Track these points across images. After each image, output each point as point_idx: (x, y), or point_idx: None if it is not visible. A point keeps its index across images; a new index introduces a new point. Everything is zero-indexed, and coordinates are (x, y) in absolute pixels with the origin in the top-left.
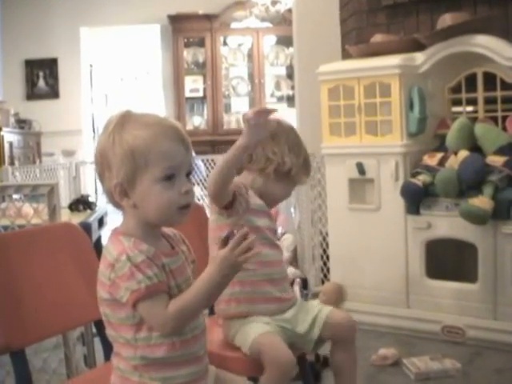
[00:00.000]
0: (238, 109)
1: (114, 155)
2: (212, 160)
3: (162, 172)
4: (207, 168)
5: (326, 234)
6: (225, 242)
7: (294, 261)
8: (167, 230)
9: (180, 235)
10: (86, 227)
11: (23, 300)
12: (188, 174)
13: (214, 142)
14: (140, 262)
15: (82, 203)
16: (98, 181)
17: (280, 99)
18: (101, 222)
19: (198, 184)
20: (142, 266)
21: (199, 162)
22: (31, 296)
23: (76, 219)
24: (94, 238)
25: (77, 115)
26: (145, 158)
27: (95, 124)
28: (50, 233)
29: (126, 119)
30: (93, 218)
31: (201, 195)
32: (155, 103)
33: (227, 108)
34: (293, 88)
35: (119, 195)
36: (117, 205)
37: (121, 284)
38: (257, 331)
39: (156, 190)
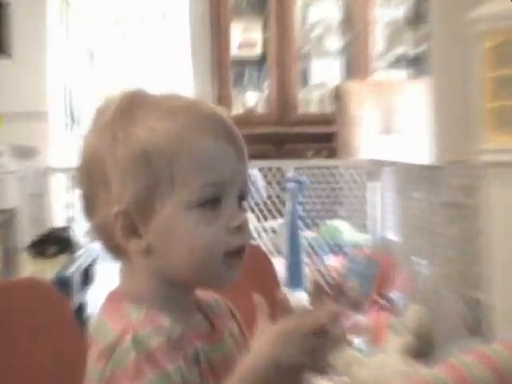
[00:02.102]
0: (323, 78)
1: (114, 164)
2: (278, 169)
3: (201, 191)
4: (269, 183)
5: (483, 303)
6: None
7: (424, 350)
8: (203, 294)
9: (226, 304)
10: (64, 285)
11: None
12: (241, 198)
13: (280, 136)
14: (156, 347)
15: (52, 242)
16: (82, 208)
17: (395, 64)
18: (87, 276)
19: (253, 210)
20: (158, 354)
21: (254, 172)
22: None
23: (44, 271)
24: (76, 302)
25: (39, 87)
26: (170, 167)
27: (72, 103)
28: (3, 296)
29: (135, 103)
30: (74, 270)
31: (256, 228)
32: (175, 68)
33: (304, 77)
34: (419, 44)
35: (123, 232)
36: (116, 250)
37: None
38: None
39: (188, 223)
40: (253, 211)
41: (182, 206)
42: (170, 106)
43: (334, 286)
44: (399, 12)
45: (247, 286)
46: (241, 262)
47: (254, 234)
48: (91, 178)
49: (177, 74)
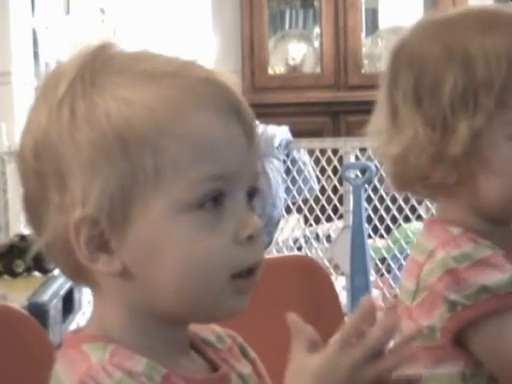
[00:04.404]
0: (398, 22)
1: (74, 152)
2: (335, 152)
3: (197, 188)
4: (322, 172)
5: None
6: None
7: None
8: (200, 327)
9: (234, 339)
10: (38, 313)
11: None
12: (252, 196)
13: (338, 105)
14: None
15: (20, 256)
16: (27, 216)
17: None
18: (69, 302)
19: (301, 210)
20: None
21: (303, 157)
22: None
23: (14, 294)
24: (56, 339)
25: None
26: (154, 156)
27: (40, 62)
28: None
29: (100, 65)
30: (51, 294)
31: (306, 237)
32: (192, 8)
33: (371, 20)
34: None
35: (88, 247)
36: (78, 273)
37: None
38: None
39: (180, 233)
40: (300, 211)
41: (171, 209)
42: (151, 69)
43: None
44: None
45: (295, 309)
46: (253, 286)
47: (302, 243)
48: (40, 174)
49: (183, 8)
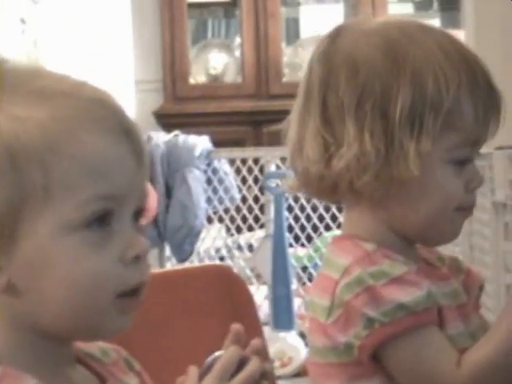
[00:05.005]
0: (316, 30)
1: None
2: (255, 161)
3: (85, 208)
4: (243, 181)
5: None
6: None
7: None
8: (89, 344)
9: (119, 353)
10: None
11: None
12: (138, 216)
13: (258, 115)
14: None
15: None
16: None
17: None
18: None
19: (222, 220)
20: None
21: (223, 167)
22: None
23: None
24: None
25: None
26: (43, 174)
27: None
28: None
29: None
30: None
31: (227, 247)
32: (112, 17)
33: (291, 29)
34: None
35: None
36: None
37: None
38: None
39: (68, 252)
40: (221, 221)
41: (59, 229)
42: (43, 87)
43: None
44: None
45: (212, 325)
46: (137, 305)
47: (224, 253)
48: None
49: (110, 19)
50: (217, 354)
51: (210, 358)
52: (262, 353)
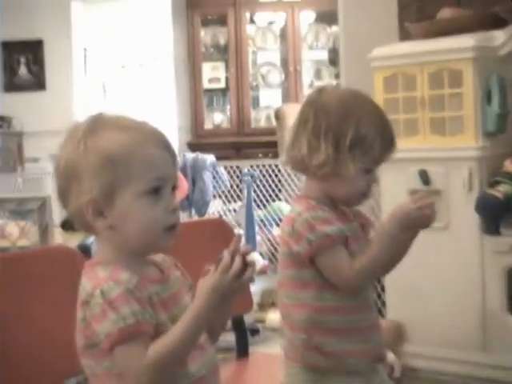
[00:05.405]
0: (268, 103)
1: (86, 165)
2: (237, 167)
3: (148, 184)
4: (231, 177)
5: None
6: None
7: None
8: (155, 256)
9: (171, 259)
10: (85, 251)
11: (11, 343)
12: (174, 189)
13: (238, 144)
14: (115, 297)
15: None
16: (60, 198)
17: None
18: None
19: (220, 196)
20: (116, 302)
21: (221, 170)
22: (21, 338)
23: (72, 241)
24: None
25: (68, 111)
26: (127, 167)
27: None
28: (41, 258)
29: (98, 123)
30: (92, 240)
31: (223, 210)
32: (164, 96)
33: (255, 102)
34: (337, 77)
35: (93, 214)
36: (88, 227)
37: (95, 327)
38: None
39: (140, 206)
40: (219, 197)
41: (135, 195)
42: (125, 124)
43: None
44: (323, 54)
45: (215, 248)
46: (175, 234)
47: (221, 214)
48: (67, 177)
49: (163, 97)
50: (224, 253)
51: (220, 255)
52: (248, 251)
